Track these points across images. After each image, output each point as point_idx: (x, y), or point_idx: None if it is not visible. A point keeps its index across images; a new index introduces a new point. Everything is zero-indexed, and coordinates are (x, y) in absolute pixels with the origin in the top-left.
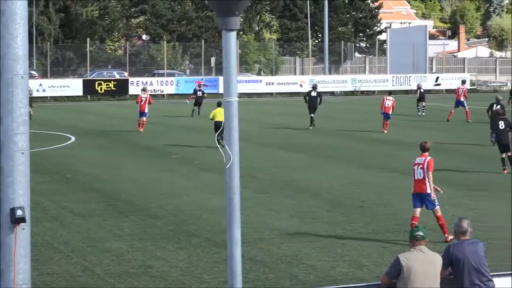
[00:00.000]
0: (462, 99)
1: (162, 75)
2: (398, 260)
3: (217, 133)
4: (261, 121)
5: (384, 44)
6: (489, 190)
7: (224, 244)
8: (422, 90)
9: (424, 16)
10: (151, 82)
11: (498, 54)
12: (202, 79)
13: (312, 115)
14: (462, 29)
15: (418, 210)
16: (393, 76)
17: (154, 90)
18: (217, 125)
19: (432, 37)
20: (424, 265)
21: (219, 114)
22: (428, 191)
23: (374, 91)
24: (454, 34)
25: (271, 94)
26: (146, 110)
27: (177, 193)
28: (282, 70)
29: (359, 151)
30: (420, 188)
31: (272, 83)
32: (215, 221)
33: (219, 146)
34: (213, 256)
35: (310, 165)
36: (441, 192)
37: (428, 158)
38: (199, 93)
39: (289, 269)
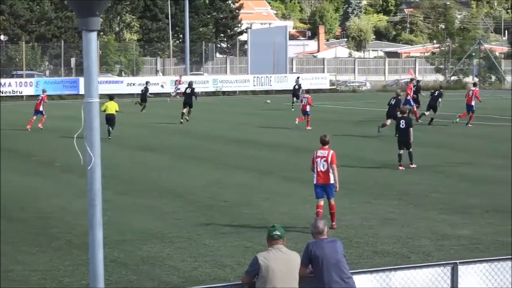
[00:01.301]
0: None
1: (21, 76)
2: (256, 259)
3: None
4: (121, 122)
5: (245, 45)
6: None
7: (86, 246)
8: (297, 86)
9: (284, 17)
10: (9, 83)
11: (356, 54)
12: (180, 76)
13: (184, 110)
14: (321, 29)
15: (322, 200)
16: (254, 77)
17: (12, 91)
18: (108, 118)
19: (292, 37)
20: (282, 264)
21: (110, 107)
22: (332, 181)
23: (235, 92)
24: (314, 35)
25: (132, 95)
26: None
27: (39, 196)
28: (143, 71)
29: (219, 151)
30: (325, 179)
31: (133, 84)
32: (77, 223)
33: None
34: (75, 258)
35: (172, 166)
36: (337, 189)
37: (331, 151)
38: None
39: (151, 271)
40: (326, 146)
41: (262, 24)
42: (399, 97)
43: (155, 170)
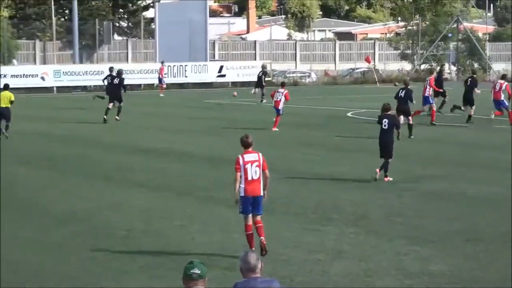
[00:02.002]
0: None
1: None
2: None
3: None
4: None
5: (152, 24)
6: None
7: None
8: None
9: None
10: None
11: (298, 36)
12: (162, 62)
13: (110, 104)
14: (252, 3)
15: (250, 216)
16: (164, 66)
17: None
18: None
19: (214, 14)
20: None
21: (2, 99)
22: (261, 193)
23: (139, 85)
24: (242, 10)
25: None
26: None
27: None
28: (17, 58)
29: (119, 164)
30: (255, 190)
31: (5, 76)
32: None
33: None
34: None
35: (54, 184)
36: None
37: (261, 154)
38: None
39: None
40: (250, 149)
41: None
42: (409, 88)
43: (30, 190)
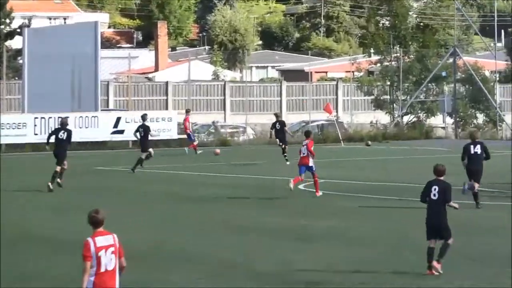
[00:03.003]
0: None
1: None
2: None
3: None
4: None
5: (19, 57)
6: None
7: None
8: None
9: (92, 6)
10: None
11: (228, 74)
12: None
13: (57, 168)
14: (162, 30)
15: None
16: (35, 118)
17: None
18: None
19: (109, 43)
20: None
21: None
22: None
23: None
24: (148, 40)
25: None
26: None
27: None
28: None
29: None
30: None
31: None
32: None
33: None
34: None
35: None
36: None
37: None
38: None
39: None
40: (102, 228)
41: (51, 18)
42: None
43: None
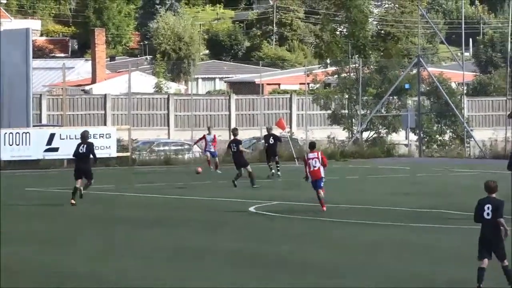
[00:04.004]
0: None
1: None
2: None
3: None
4: None
5: None
6: None
7: None
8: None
9: (23, 12)
10: None
11: (172, 87)
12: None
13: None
14: (99, 38)
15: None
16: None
17: None
18: None
19: (41, 53)
20: None
21: None
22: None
23: None
24: (84, 49)
25: None
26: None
27: None
28: None
29: None
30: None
31: None
32: None
33: None
34: None
35: None
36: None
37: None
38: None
39: None
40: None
41: None
42: None
43: None
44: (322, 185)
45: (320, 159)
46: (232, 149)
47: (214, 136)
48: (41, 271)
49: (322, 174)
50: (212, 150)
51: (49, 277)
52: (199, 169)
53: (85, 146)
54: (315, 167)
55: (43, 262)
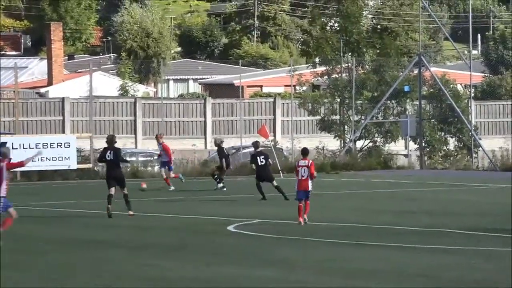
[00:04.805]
0: None
1: None
2: None
3: None
4: None
5: None
6: None
7: None
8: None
9: None
10: None
11: (140, 89)
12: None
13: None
14: (56, 34)
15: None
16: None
17: None
18: None
19: None
20: None
21: None
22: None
23: None
24: (39, 46)
25: None
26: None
27: None
28: None
29: None
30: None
31: None
32: None
33: None
34: None
35: None
36: None
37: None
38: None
39: None
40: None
41: None
42: None
43: None
44: (307, 198)
45: (308, 170)
46: (260, 162)
47: (163, 144)
48: None
49: (310, 188)
50: (166, 160)
51: None
52: (143, 185)
53: (112, 152)
54: (303, 176)
55: None
